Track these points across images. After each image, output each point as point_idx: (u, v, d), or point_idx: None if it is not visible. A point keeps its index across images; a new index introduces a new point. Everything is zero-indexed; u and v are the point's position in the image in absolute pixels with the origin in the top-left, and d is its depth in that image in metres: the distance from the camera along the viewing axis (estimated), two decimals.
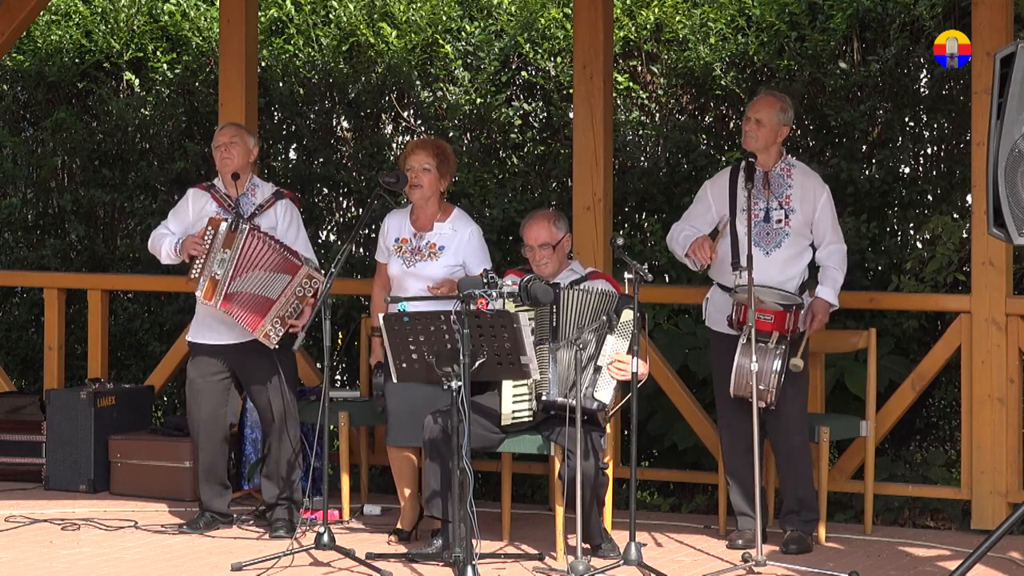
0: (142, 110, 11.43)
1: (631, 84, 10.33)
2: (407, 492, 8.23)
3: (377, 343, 8.22)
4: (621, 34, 10.28)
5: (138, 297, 11.56)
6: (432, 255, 8.09)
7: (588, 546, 7.65)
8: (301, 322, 8.11)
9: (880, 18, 9.78)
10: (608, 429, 7.75)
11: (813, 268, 8.10)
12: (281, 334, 8.12)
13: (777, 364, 7.70)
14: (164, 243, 8.35)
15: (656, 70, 10.37)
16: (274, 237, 8.18)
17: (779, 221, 7.94)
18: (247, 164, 8.35)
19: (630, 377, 7.52)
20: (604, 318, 7.53)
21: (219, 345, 8.31)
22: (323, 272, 8.19)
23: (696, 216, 8.12)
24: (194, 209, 8.37)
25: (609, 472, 7.74)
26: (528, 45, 10.55)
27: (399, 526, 8.24)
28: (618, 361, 7.57)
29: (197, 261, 8.14)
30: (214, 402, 8.35)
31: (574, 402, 7.31)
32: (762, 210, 7.95)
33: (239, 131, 8.38)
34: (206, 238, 8.12)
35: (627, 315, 7.58)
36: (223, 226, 8.09)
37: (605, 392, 7.59)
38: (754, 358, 7.53)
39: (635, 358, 7.44)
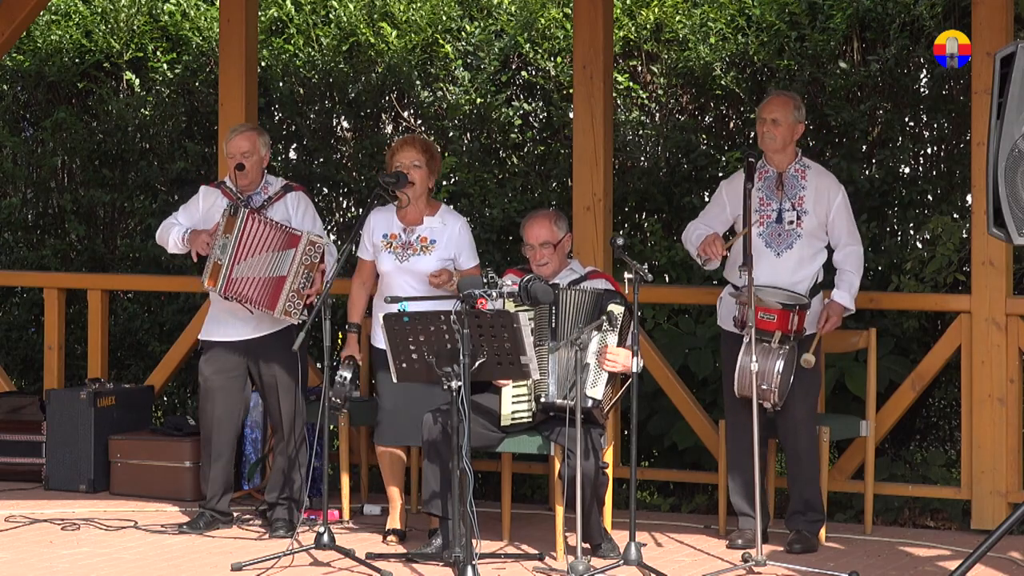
0: (142, 110, 11.43)
1: (631, 84, 10.33)
2: (396, 491, 8.24)
3: (352, 339, 8.23)
4: (621, 34, 10.28)
5: (138, 297, 11.56)
6: (424, 249, 8.10)
7: (588, 546, 7.65)
8: (315, 289, 8.12)
9: (880, 18, 9.78)
10: (608, 429, 7.75)
11: (829, 270, 8.09)
12: (300, 307, 8.13)
13: (780, 364, 7.70)
14: (172, 232, 8.36)
15: (656, 70, 10.37)
16: (274, 220, 8.17)
17: (791, 223, 7.94)
18: (260, 168, 8.35)
19: (621, 368, 7.54)
20: (604, 317, 7.53)
21: (233, 341, 8.32)
22: (326, 240, 8.21)
23: (712, 216, 8.14)
24: (203, 206, 8.38)
25: (609, 472, 7.74)
26: (528, 45, 10.55)
27: (392, 526, 8.24)
28: (606, 353, 7.56)
29: (208, 258, 8.17)
30: (229, 400, 8.37)
31: (572, 403, 7.31)
32: (774, 211, 7.95)
33: (252, 143, 8.28)
34: (216, 234, 8.14)
35: (614, 308, 7.58)
36: (225, 213, 8.11)
37: (597, 388, 7.59)
38: (754, 358, 7.53)
39: (635, 357, 7.44)
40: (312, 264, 8.16)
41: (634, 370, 7.44)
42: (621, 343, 7.59)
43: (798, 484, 8.01)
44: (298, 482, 8.35)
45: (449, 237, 8.12)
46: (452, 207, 8.91)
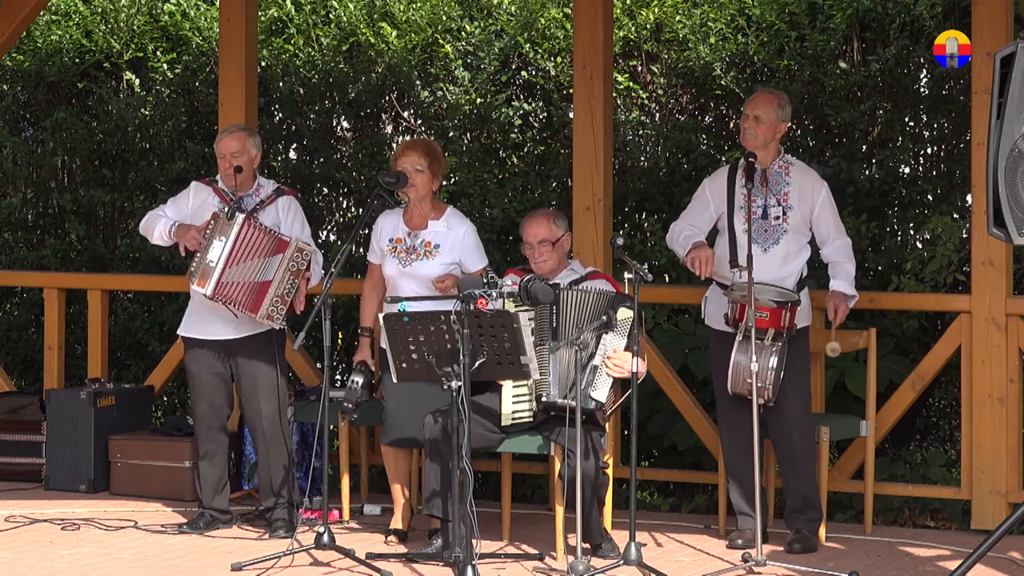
0: (142, 110, 11.43)
1: (631, 84, 10.33)
2: (400, 489, 8.24)
3: (365, 343, 8.24)
4: (621, 34, 10.28)
5: (138, 297, 11.56)
6: (428, 254, 8.10)
7: (588, 546, 7.65)
8: (300, 296, 8.14)
9: (880, 18, 9.78)
10: (608, 429, 7.75)
11: (811, 265, 8.11)
12: (283, 312, 8.13)
13: (773, 361, 7.70)
14: (159, 224, 8.32)
15: (656, 70, 10.37)
16: (266, 226, 8.17)
17: (777, 218, 7.96)
18: (252, 169, 8.34)
19: (627, 374, 7.54)
20: (604, 318, 7.53)
21: (211, 340, 8.31)
22: (313, 248, 8.23)
23: (695, 215, 8.13)
24: (194, 202, 8.36)
25: (609, 472, 7.74)
26: (528, 45, 10.55)
27: (395, 526, 8.24)
28: (614, 358, 7.57)
29: (197, 255, 8.14)
30: (212, 394, 8.35)
31: (573, 403, 7.31)
32: (760, 207, 7.96)
33: (242, 143, 8.27)
34: (207, 232, 8.12)
35: (623, 313, 7.59)
36: (220, 215, 8.10)
37: (602, 391, 7.59)
38: (753, 357, 7.53)
39: (635, 357, 7.44)
40: (298, 271, 8.15)
41: (634, 370, 7.45)
42: (629, 348, 7.58)
43: (794, 482, 8.01)
44: (294, 483, 8.34)
45: (454, 241, 8.11)
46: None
